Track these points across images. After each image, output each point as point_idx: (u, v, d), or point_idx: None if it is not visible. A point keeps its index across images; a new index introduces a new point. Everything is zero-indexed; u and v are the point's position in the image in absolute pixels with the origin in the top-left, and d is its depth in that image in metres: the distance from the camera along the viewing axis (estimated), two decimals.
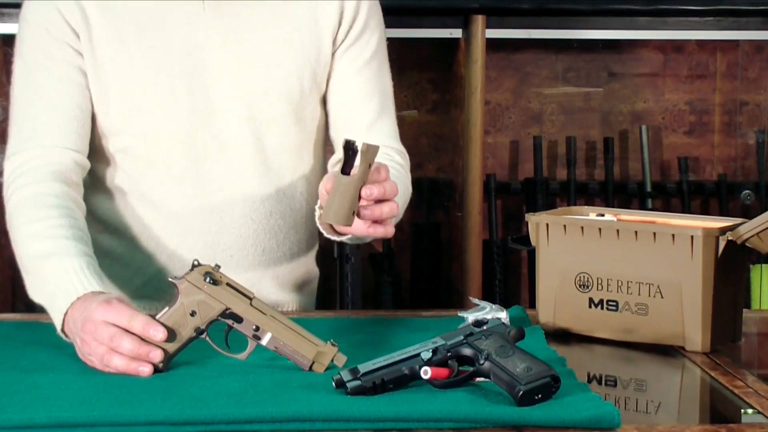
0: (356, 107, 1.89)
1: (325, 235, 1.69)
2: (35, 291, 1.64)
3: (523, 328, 1.45)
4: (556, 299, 1.72)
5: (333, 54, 1.87)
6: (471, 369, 1.40)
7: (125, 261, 1.89)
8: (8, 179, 1.77)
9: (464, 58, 3.04)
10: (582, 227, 1.70)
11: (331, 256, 3.00)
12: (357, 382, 1.37)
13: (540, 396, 1.33)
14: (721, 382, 1.49)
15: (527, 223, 1.75)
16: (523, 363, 1.35)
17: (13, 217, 1.72)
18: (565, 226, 1.71)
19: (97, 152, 1.85)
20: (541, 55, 3.35)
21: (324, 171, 1.97)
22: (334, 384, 1.39)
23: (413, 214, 3.24)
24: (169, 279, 1.52)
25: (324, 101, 1.91)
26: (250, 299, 1.51)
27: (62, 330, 1.57)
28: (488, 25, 2.99)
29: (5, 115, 2.97)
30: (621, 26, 3.18)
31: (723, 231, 1.63)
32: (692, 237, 1.61)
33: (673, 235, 1.63)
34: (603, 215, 1.80)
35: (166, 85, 1.80)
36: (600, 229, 1.68)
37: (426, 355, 1.40)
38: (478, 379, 1.40)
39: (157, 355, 1.48)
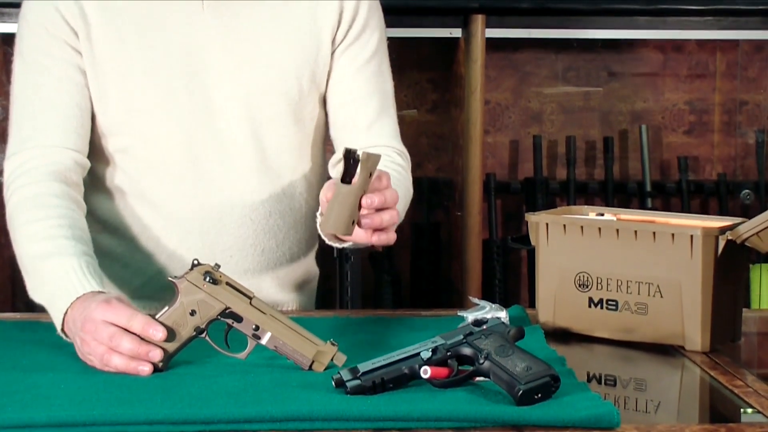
0: (356, 107, 1.89)
1: (327, 242, 1.68)
2: (35, 291, 1.64)
3: (523, 327, 1.45)
4: (555, 299, 1.72)
5: (332, 54, 1.87)
6: (471, 368, 1.40)
7: (125, 261, 1.89)
8: (8, 179, 1.77)
9: (464, 58, 3.04)
10: (582, 227, 1.70)
11: (331, 256, 3.00)
12: (357, 382, 1.37)
13: (539, 395, 1.33)
14: (720, 382, 1.49)
15: (527, 222, 1.75)
16: (522, 362, 1.35)
17: (13, 217, 1.72)
18: (564, 225, 1.71)
19: (96, 152, 1.85)
20: (540, 54, 3.36)
21: (324, 171, 1.97)
22: (333, 383, 1.39)
23: (413, 213, 3.22)
24: (169, 278, 1.52)
25: (324, 101, 1.91)
26: (250, 298, 1.51)
27: (62, 330, 1.57)
28: (488, 25, 2.99)
29: (5, 114, 2.97)
30: (621, 26, 3.18)
31: (722, 230, 1.63)
32: (692, 236, 1.61)
33: (673, 235, 1.63)
34: (603, 215, 1.80)
35: (165, 85, 1.80)
36: (600, 229, 1.68)
37: (426, 354, 1.40)
38: (477, 378, 1.40)
39: (157, 355, 1.48)
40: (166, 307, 1.50)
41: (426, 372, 1.38)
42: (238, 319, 1.50)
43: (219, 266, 1.52)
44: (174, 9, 1.80)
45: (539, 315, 1.74)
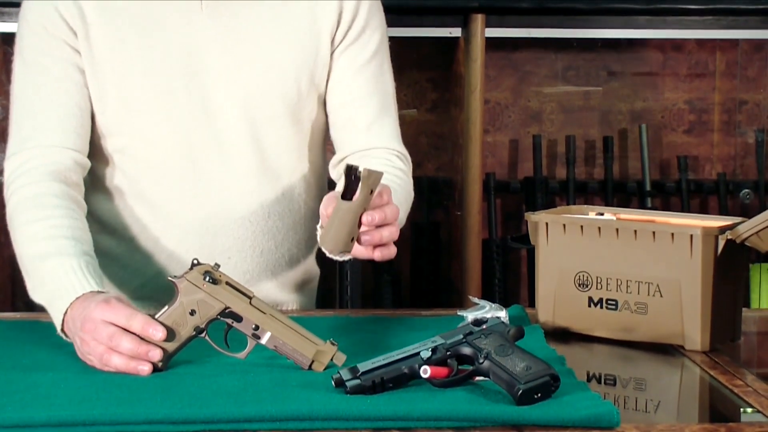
0: (356, 107, 1.88)
1: (328, 255, 1.67)
2: (35, 291, 1.64)
3: (523, 327, 1.45)
4: (555, 298, 1.72)
5: (332, 54, 1.87)
6: (470, 368, 1.40)
7: (124, 261, 1.89)
8: (8, 179, 1.77)
9: (464, 57, 3.04)
10: (581, 226, 1.70)
11: None
12: (356, 381, 1.37)
13: (539, 395, 1.33)
14: (720, 381, 1.49)
15: (527, 222, 1.75)
16: (522, 362, 1.35)
17: (14, 217, 1.72)
18: (564, 225, 1.71)
19: (95, 152, 1.85)
20: (540, 54, 3.36)
21: (325, 172, 1.97)
22: (333, 383, 1.39)
23: (413, 213, 3.21)
24: (169, 278, 1.52)
25: (324, 101, 1.91)
26: (250, 298, 1.51)
27: (62, 330, 1.57)
28: (488, 24, 2.99)
29: (5, 114, 2.97)
30: (620, 25, 3.18)
31: (722, 230, 1.63)
32: (691, 236, 1.61)
33: (673, 234, 1.63)
34: (602, 214, 1.80)
35: (164, 85, 1.80)
36: (599, 228, 1.68)
37: (425, 354, 1.40)
38: (477, 378, 1.40)
39: (157, 354, 1.48)
40: (166, 307, 1.50)
41: (426, 372, 1.38)
42: (238, 318, 1.50)
43: (219, 266, 1.52)
44: (173, 9, 1.80)
45: (539, 314, 1.74)
